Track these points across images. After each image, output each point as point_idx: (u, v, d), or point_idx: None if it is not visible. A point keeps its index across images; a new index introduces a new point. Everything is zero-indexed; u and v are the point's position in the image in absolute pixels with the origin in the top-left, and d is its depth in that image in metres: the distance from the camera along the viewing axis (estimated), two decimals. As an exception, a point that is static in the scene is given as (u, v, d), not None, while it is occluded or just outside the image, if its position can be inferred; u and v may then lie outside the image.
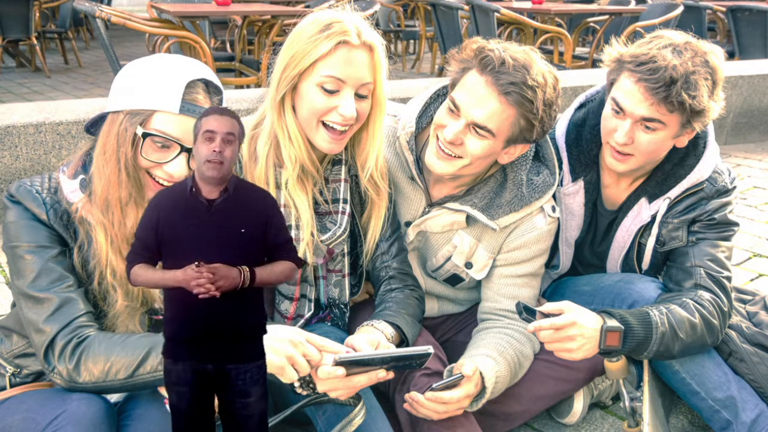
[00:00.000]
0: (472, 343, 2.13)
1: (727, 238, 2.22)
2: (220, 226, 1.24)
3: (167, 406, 1.62)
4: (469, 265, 2.20)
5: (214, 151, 1.19)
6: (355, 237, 2.10)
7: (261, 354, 1.32)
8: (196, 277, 1.17)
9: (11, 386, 1.77)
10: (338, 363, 1.66)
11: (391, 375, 1.75)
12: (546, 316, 1.92)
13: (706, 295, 2.11)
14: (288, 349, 1.65)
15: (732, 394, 2.11)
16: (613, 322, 1.96)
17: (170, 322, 1.27)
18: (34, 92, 7.81)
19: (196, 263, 1.18)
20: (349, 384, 1.71)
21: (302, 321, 2.07)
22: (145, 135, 1.60)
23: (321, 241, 1.99)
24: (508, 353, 2.05)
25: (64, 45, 9.85)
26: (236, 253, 1.23)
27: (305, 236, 1.95)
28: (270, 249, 1.29)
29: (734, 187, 2.24)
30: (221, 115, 1.22)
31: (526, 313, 1.91)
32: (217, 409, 1.34)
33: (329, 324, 2.13)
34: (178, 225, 1.24)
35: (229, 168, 1.22)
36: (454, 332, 2.38)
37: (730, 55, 7.60)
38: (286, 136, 1.89)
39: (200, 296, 1.18)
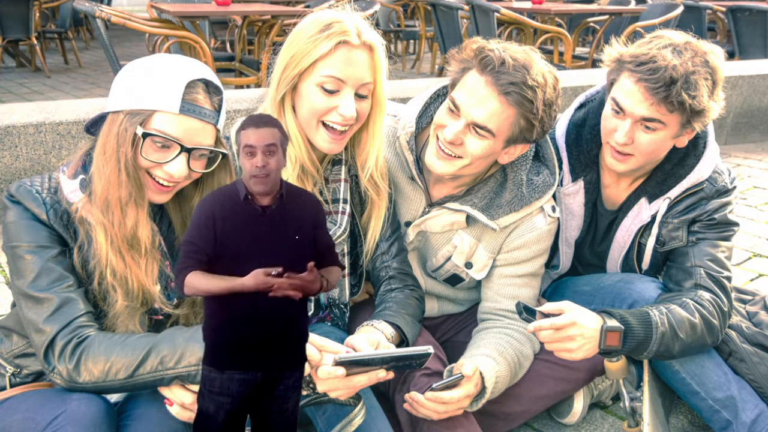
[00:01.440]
0: (472, 343, 2.13)
1: (727, 238, 2.22)
2: (275, 231, 1.23)
3: (168, 407, 1.63)
4: (469, 265, 2.20)
5: (257, 166, 1.17)
6: (355, 237, 2.10)
7: (304, 360, 1.31)
8: (271, 282, 1.13)
9: (11, 386, 1.77)
10: (338, 363, 1.65)
11: (391, 375, 1.75)
12: (546, 316, 1.92)
13: (706, 295, 2.11)
14: (288, 349, 1.65)
15: (732, 394, 2.11)
16: (613, 322, 1.96)
17: (217, 330, 1.24)
18: (34, 92, 7.81)
19: (275, 271, 1.14)
20: (349, 384, 1.71)
21: (302, 321, 2.07)
22: (145, 135, 1.60)
23: (321, 241, 1.99)
24: (508, 353, 2.05)
25: (64, 45, 9.85)
26: (291, 258, 1.22)
27: (305, 236, 1.95)
28: (320, 252, 1.28)
29: (734, 187, 2.24)
30: (258, 128, 1.19)
31: (526, 313, 1.91)
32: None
33: (329, 324, 2.13)
34: (235, 231, 1.22)
35: (276, 178, 1.20)
36: (454, 332, 2.38)
37: (730, 55, 7.60)
38: (286, 136, 1.89)
39: (281, 294, 1.14)
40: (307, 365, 1.66)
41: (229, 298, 1.20)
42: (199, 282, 1.21)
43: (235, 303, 1.19)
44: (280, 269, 1.15)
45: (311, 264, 1.18)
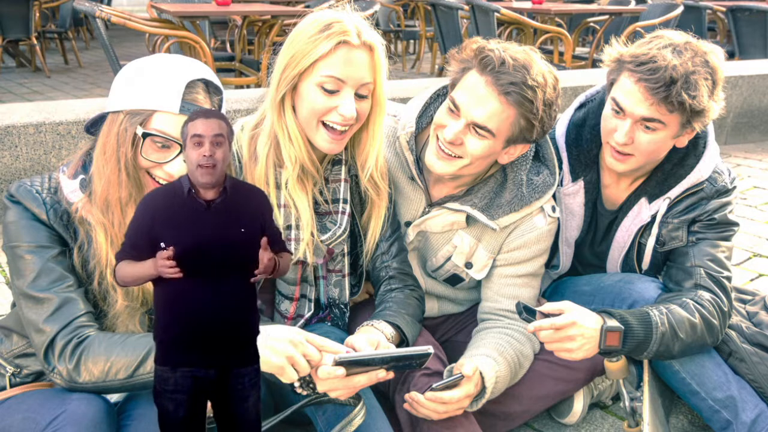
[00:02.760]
0: (472, 343, 2.13)
1: (727, 238, 2.22)
2: (220, 226, 1.23)
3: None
4: (469, 265, 2.20)
5: (205, 155, 1.18)
6: (355, 237, 2.10)
7: (258, 356, 1.31)
8: (163, 263, 1.17)
9: (11, 386, 1.77)
10: (338, 363, 1.65)
11: (391, 375, 1.75)
12: (546, 316, 1.92)
13: (706, 295, 2.11)
14: (288, 349, 1.65)
15: (732, 394, 2.11)
16: (613, 322, 1.96)
17: (166, 328, 1.25)
18: (34, 92, 7.81)
19: (166, 254, 1.17)
20: (349, 384, 1.71)
21: (302, 321, 2.07)
22: (145, 135, 1.60)
23: (321, 241, 1.99)
24: (508, 353, 2.05)
25: (64, 45, 9.85)
26: (238, 252, 1.23)
27: (305, 236, 1.95)
28: (269, 244, 1.29)
29: (734, 187, 2.24)
30: (207, 118, 1.20)
31: (526, 313, 1.91)
32: (209, 413, 1.33)
33: (329, 324, 2.13)
34: (177, 227, 1.23)
35: (222, 170, 1.20)
36: (454, 332, 2.38)
37: (730, 55, 7.60)
38: (286, 136, 1.89)
39: (168, 276, 1.18)
40: (307, 365, 1.67)
41: (175, 295, 1.21)
42: (124, 271, 1.24)
43: (181, 299, 1.21)
44: (170, 252, 1.17)
45: (264, 240, 1.21)
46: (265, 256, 1.21)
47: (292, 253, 1.35)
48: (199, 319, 1.23)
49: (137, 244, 1.24)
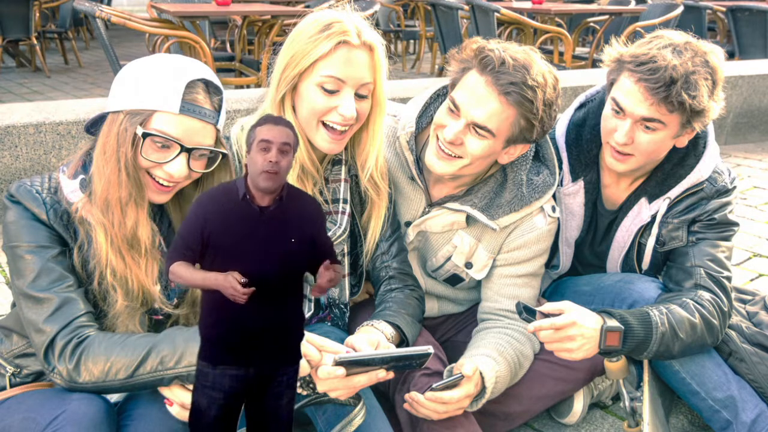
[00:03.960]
0: (472, 343, 2.13)
1: (727, 238, 2.22)
2: (272, 233, 1.22)
3: (168, 406, 1.63)
4: (469, 265, 2.20)
5: (270, 161, 1.17)
6: (355, 237, 2.10)
7: (299, 357, 1.32)
8: (234, 286, 1.15)
9: (11, 386, 1.77)
10: (338, 363, 1.66)
11: (391, 375, 1.75)
12: (546, 316, 1.92)
13: (706, 295, 2.11)
14: (288, 349, 1.65)
15: (732, 394, 2.11)
16: (613, 322, 1.96)
17: (213, 326, 1.24)
18: (34, 92, 7.81)
19: (243, 279, 1.16)
20: (349, 384, 1.71)
21: (302, 321, 2.07)
22: (145, 135, 1.60)
23: (321, 241, 1.99)
24: (508, 353, 2.05)
25: (64, 45, 9.85)
26: (285, 260, 1.22)
27: (305, 236, 1.95)
28: (319, 252, 1.28)
29: (734, 187, 2.24)
30: (276, 125, 1.19)
31: (526, 313, 1.91)
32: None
33: (329, 324, 2.13)
34: (229, 230, 1.22)
35: (284, 178, 1.20)
36: (454, 332, 2.38)
37: (730, 55, 7.60)
38: (286, 136, 1.89)
39: (234, 300, 1.16)
40: (307, 365, 1.67)
41: (223, 300, 1.20)
42: (181, 272, 1.23)
43: (228, 303, 1.20)
44: (246, 283, 1.16)
45: (327, 262, 1.22)
46: (326, 276, 1.21)
47: (341, 264, 1.35)
48: (244, 324, 1.22)
49: (191, 245, 1.23)
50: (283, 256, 1.23)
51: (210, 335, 1.25)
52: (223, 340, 1.24)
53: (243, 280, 1.15)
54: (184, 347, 1.58)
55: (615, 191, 2.31)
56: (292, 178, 1.92)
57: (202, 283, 1.20)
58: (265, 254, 1.21)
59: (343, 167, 2.03)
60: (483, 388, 1.99)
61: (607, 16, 7.58)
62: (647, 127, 2.05)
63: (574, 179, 2.29)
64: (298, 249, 1.23)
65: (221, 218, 1.22)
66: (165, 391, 1.64)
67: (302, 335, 1.31)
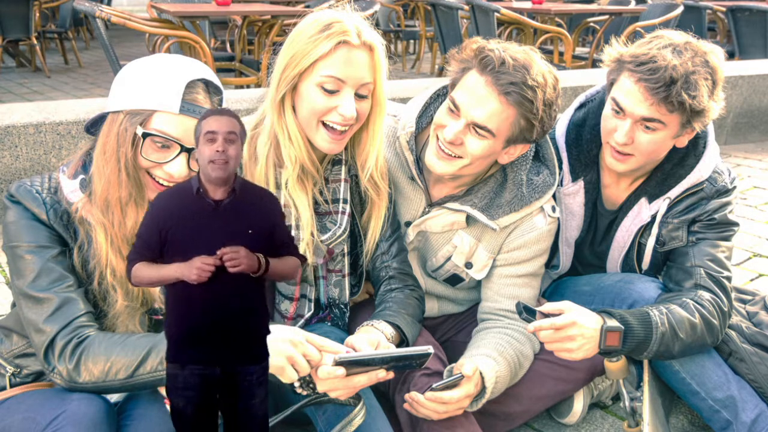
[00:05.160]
0: (472, 343, 2.13)
1: (727, 238, 2.22)
2: (227, 226, 1.24)
3: (168, 406, 1.63)
4: (469, 265, 2.20)
5: (218, 151, 1.19)
6: (355, 237, 2.10)
7: (266, 355, 1.32)
8: (201, 264, 1.18)
9: (11, 386, 1.77)
10: (338, 363, 1.66)
11: (391, 375, 1.75)
12: (546, 316, 1.92)
13: (706, 295, 2.11)
14: (288, 349, 1.65)
15: (732, 394, 2.11)
16: (613, 322, 1.96)
17: (174, 326, 1.26)
18: (34, 92, 7.81)
19: (211, 260, 1.19)
20: (349, 384, 1.71)
21: (302, 321, 2.07)
22: (145, 135, 1.60)
23: (321, 241, 1.99)
24: (508, 353, 2.05)
25: (64, 45, 9.85)
26: None
27: (305, 236, 1.95)
28: (276, 247, 1.30)
29: (734, 187, 2.24)
30: (221, 116, 1.22)
31: (526, 313, 1.91)
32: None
33: (329, 324, 2.13)
34: (185, 226, 1.24)
35: (235, 167, 1.22)
36: (454, 332, 2.38)
37: (730, 55, 7.60)
38: (286, 136, 1.89)
39: (195, 281, 1.18)
40: (306, 365, 1.67)
41: (181, 294, 1.22)
42: (142, 273, 1.25)
43: (189, 298, 1.22)
44: (216, 260, 1.18)
45: (229, 249, 1.21)
46: (241, 250, 1.21)
47: (304, 259, 1.36)
48: (204, 317, 1.24)
49: (150, 244, 1.26)
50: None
51: (173, 333, 1.27)
52: (186, 337, 1.26)
53: (211, 260, 1.18)
54: (184, 347, 1.58)
55: (615, 191, 2.31)
56: (292, 179, 1.92)
57: (164, 276, 1.23)
58: (221, 247, 1.22)
59: (343, 167, 2.03)
60: (483, 388, 1.99)
61: (607, 16, 7.58)
62: (647, 127, 2.05)
63: (574, 179, 2.29)
64: (255, 241, 1.24)
65: (177, 214, 1.25)
66: (165, 391, 1.63)
67: (266, 332, 1.32)
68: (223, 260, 1.20)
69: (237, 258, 1.20)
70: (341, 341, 1.78)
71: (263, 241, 1.26)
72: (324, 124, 1.87)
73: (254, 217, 1.26)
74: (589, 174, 2.28)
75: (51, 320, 1.62)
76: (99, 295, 1.69)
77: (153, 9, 6.10)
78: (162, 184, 1.66)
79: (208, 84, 1.67)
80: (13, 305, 1.79)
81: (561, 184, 2.29)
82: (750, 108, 6.14)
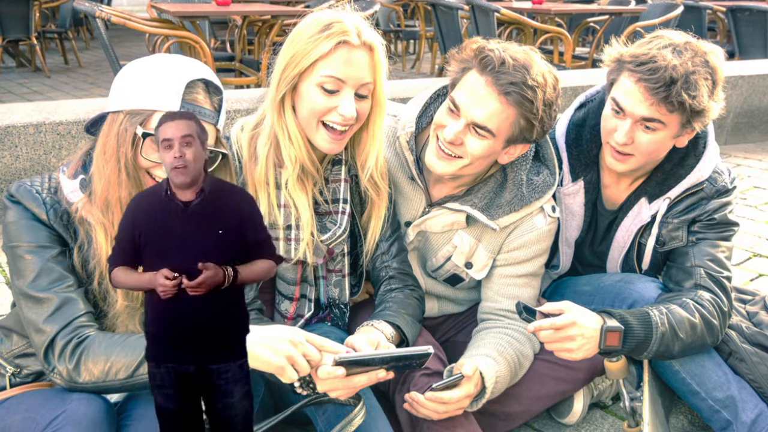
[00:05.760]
0: (472, 343, 2.13)
1: (727, 238, 2.22)
2: (197, 227, 1.24)
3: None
4: (469, 265, 2.20)
5: (175, 157, 1.19)
6: (355, 237, 2.10)
7: (242, 354, 1.31)
8: (163, 283, 1.18)
9: (11, 386, 1.77)
10: (338, 363, 1.66)
11: (391, 375, 1.75)
12: (546, 316, 1.92)
13: (706, 295, 2.11)
14: (288, 349, 1.65)
15: (732, 394, 2.11)
16: (613, 322, 1.96)
17: (151, 324, 1.27)
18: (34, 92, 7.81)
19: (172, 275, 1.19)
20: (349, 384, 1.71)
21: (302, 321, 2.08)
22: (145, 135, 1.60)
23: (321, 241, 1.99)
24: (508, 353, 2.05)
25: (64, 45, 9.85)
26: (216, 254, 1.23)
27: (305, 236, 1.95)
28: (249, 247, 1.29)
29: (734, 187, 2.24)
30: (173, 120, 1.21)
31: (526, 313, 1.91)
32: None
33: (329, 324, 2.13)
34: (156, 228, 1.24)
35: (196, 169, 1.21)
36: (454, 332, 2.38)
37: (730, 55, 7.60)
38: (286, 136, 1.89)
39: (163, 296, 1.19)
40: (306, 365, 1.67)
41: (157, 294, 1.23)
42: (120, 278, 1.27)
43: (165, 299, 1.22)
44: (178, 277, 1.19)
45: (201, 264, 1.20)
46: (207, 275, 1.19)
47: (282, 259, 1.34)
48: (177, 316, 1.24)
49: (125, 248, 1.26)
50: (212, 249, 1.23)
51: (151, 332, 1.27)
52: (162, 336, 1.26)
53: (172, 275, 1.18)
54: (184, 347, 1.58)
55: (615, 191, 2.31)
56: (292, 179, 1.92)
57: (139, 285, 1.25)
58: (194, 249, 1.22)
59: (343, 167, 2.03)
60: (483, 388, 1.99)
61: (607, 16, 7.58)
62: (647, 127, 2.05)
63: (574, 179, 2.29)
64: (227, 242, 1.24)
65: (148, 217, 1.25)
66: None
67: (245, 330, 1.31)
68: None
69: (196, 287, 1.19)
70: (341, 341, 1.78)
71: (235, 241, 1.26)
72: (324, 124, 1.87)
73: (224, 216, 1.26)
74: (589, 174, 2.29)
75: (51, 320, 1.62)
76: (99, 295, 1.69)
77: (153, 9, 6.10)
78: (162, 184, 1.66)
79: (208, 84, 1.67)
80: (13, 305, 1.79)
81: (561, 184, 2.29)
82: (750, 108, 6.14)
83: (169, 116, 1.22)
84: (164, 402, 1.29)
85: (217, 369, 1.28)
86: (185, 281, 1.19)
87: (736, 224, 2.24)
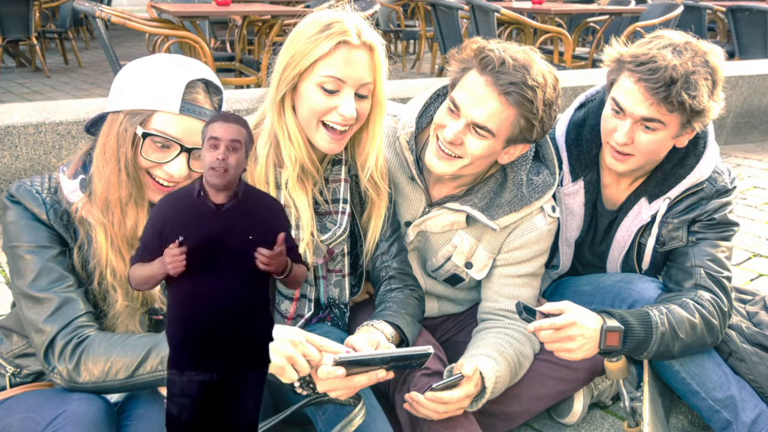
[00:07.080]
0: (472, 343, 2.13)
1: (727, 238, 2.22)
2: (228, 230, 1.23)
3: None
4: (469, 265, 2.20)
5: (218, 159, 1.18)
6: (355, 237, 2.10)
7: (266, 362, 1.31)
8: (171, 253, 1.18)
9: (11, 386, 1.77)
10: (338, 363, 1.66)
11: (391, 375, 1.75)
12: (546, 316, 1.92)
13: (706, 295, 2.11)
14: (288, 349, 1.65)
15: (732, 394, 2.11)
16: (613, 322, 1.96)
17: (174, 330, 1.25)
18: (34, 92, 7.81)
19: (174, 246, 1.19)
20: (349, 384, 1.71)
21: (302, 321, 2.08)
22: (145, 135, 1.60)
23: (321, 241, 1.99)
24: (508, 353, 2.05)
25: (64, 45, 9.85)
26: (245, 258, 1.22)
27: (305, 236, 1.95)
28: None
29: (734, 187, 2.24)
30: (226, 122, 1.20)
31: (526, 313, 1.91)
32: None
33: (329, 324, 2.13)
34: (185, 227, 1.23)
35: (235, 175, 1.20)
36: (454, 332, 2.38)
37: (730, 55, 7.60)
38: (286, 136, 1.89)
39: (173, 272, 1.19)
40: (307, 365, 1.67)
41: (184, 297, 1.22)
42: (135, 273, 1.26)
43: (188, 301, 1.21)
44: (177, 245, 1.19)
45: (282, 235, 1.21)
46: (277, 250, 1.21)
47: (308, 268, 1.34)
48: (203, 321, 1.23)
49: (150, 249, 1.25)
50: (241, 252, 1.23)
51: (173, 340, 1.26)
52: (186, 341, 1.24)
53: (179, 249, 1.18)
54: (184, 347, 1.58)
55: (615, 191, 2.31)
56: (292, 179, 1.92)
57: (149, 274, 1.23)
58: (223, 252, 1.22)
59: (343, 167, 2.03)
60: (483, 388, 1.99)
61: (607, 16, 7.58)
62: (647, 127, 2.05)
63: (574, 179, 2.29)
64: (257, 247, 1.24)
65: (178, 218, 1.24)
66: (165, 391, 1.63)
67: (269, 338, 1.30)
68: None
69: (271, 258, 1.21)
70: (341, 341, 1.78)
71: (265, 247, 1.25)
72: (324, 124, 1.87)
73: (257, 223, 1.25)
74: (589, 174, 2.29)
75: (51, 320, 1.62)
76: (99, 295, 1.69)
77: (153, 9, 6.10)
78: (162, 184, 1.66)
79: (208, 84, 1.67)
80: (13, 305, 1.79)
81: (561, 184, 2.29)
82: (750, 108, 6.14)
83: (222, 116, 1.21)
84: (178, 413, 1.26)
85: (240, 377, 1.27)
86: (261, 249, 1.19)
87: (736, 224, 2.24)
